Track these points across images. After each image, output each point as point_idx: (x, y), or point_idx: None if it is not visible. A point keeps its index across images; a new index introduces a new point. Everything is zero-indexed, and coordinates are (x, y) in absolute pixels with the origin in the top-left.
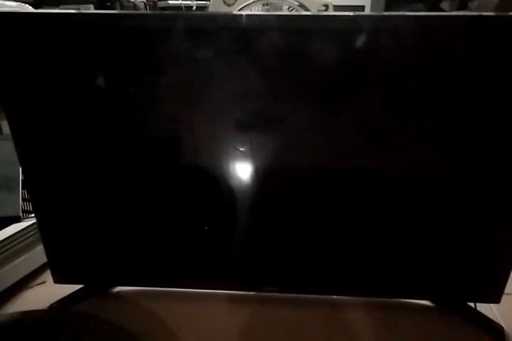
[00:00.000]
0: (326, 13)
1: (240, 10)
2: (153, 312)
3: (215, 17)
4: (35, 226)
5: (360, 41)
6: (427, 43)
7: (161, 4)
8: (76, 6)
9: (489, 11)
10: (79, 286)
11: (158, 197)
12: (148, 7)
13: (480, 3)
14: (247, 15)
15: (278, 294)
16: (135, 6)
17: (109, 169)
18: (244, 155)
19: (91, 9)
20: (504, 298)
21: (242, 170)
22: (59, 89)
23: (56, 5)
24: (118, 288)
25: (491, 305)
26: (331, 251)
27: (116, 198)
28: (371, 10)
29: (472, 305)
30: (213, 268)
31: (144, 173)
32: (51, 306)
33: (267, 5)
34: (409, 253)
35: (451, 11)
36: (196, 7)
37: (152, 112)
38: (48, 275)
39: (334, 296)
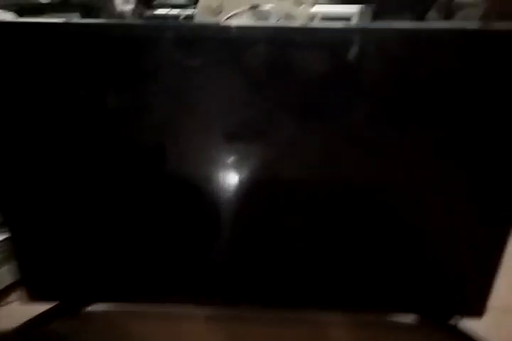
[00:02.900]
0: (313, 23)
1: (226, 19)
2: (130, 333)
3: (204, 28)
4: (3, 243)
5: (347, 53)
6: (414, 55)
7: (149, 13)
8: (61, 14)
9: (475, 21)
10: (50, 306)
11: (140, 210)
12: (136, 16)
13: (466, 13)
14: (234, 26)
15: (260, 313)
16: (122, 15)
17: (89, 181)
18: (230, 167)
19: (77, 17)
20: (490, 311)
21: (226, 183)
22: (41, 98)
23: (41, 13)
24: (93, 307)
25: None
26: (316, 267)
27: (95, 211)
28: (359, 20)
29: (456, 320)
30: (193, 284)
31: (125, 185)
32: (19, 328)
33: (259, 14)
34: (393, 269)
35: (438, 20)
36: (185, 16)
37: (139, 123)
38: (16, 296)
39: (318, 315)
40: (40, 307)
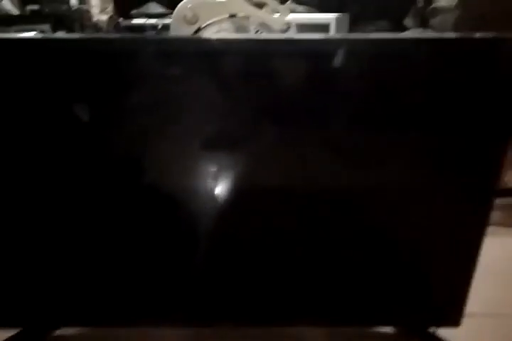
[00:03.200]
0: (292, 34)
1: (202, 29)
2: None
3: (182, 41)
4: None
5: (327, 63)
6: (391, 64)
7: (124, 23)
8: (31, 26)
9: (449, 27)
10: (14, 332)
11: (113, 225)
12: (111, 27)
13: (441, 20)
14: (213, 38)
15: (234, 329)
16: (97, 26)
17: (58, 192)
18: (209, 177)
19: (47, 29)
20: (469, 317)
21: (206, 194)
22: (16, 110)
23: (9, 25)
24: (60, 331)
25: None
26: (291, 281)
27: (62, 225)
28: (336, 28)
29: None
30: (168, 304)
31: (97, 199)
32: None
33: (236, 23)
34: (369, 280)
35: (414, 27)
36: (162, 26)
37: (120, 134)
38: None
39: (294, 329)
40: (3, 334)
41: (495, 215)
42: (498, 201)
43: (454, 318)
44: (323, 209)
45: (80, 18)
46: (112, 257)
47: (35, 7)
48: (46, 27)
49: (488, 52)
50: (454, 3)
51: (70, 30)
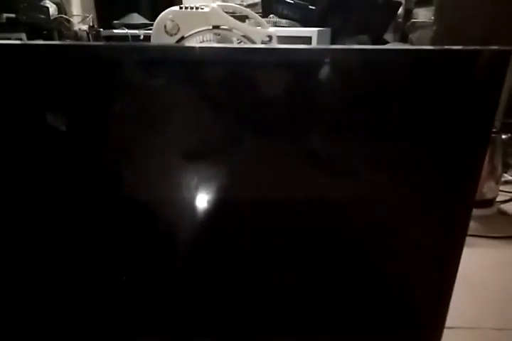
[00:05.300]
0: (271, 44)
1: (185, 39)
2: None
3: (165, 49)
4: None
5: (310, 73)
6: (372, 76)
7: (105, 33)
8: (6, 35)
9: (427, 42)
10: None
11: (90, 239)
12: (90, 36)
13: (420, 35)
14: (197, 47)
15: None
16: (76, 35)
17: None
18: (191, 190)
19: (23, 38)
20: (445, 333)
21: (188, 208)
22: None
23: None
24: None
25: None
26: (274, 297)
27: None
28: (318, 41)
29: None
30: (135, 321)
31: (74, 213)
32: None
33: (218, 35)
34: (343, 294)
35: (393, 42)
36: (144, 36)
37: (97, 144)
38: None
39: None
40: None
41: (473, 226)
42: (476, 212)
43: (433, 334)
44: (304, 220)
45: (58, 27)
46: (84, 272)
47: (12, 15)
48: (22, 35)
49: (464, 65)
50: (432, 19)
51: (47, 39)
